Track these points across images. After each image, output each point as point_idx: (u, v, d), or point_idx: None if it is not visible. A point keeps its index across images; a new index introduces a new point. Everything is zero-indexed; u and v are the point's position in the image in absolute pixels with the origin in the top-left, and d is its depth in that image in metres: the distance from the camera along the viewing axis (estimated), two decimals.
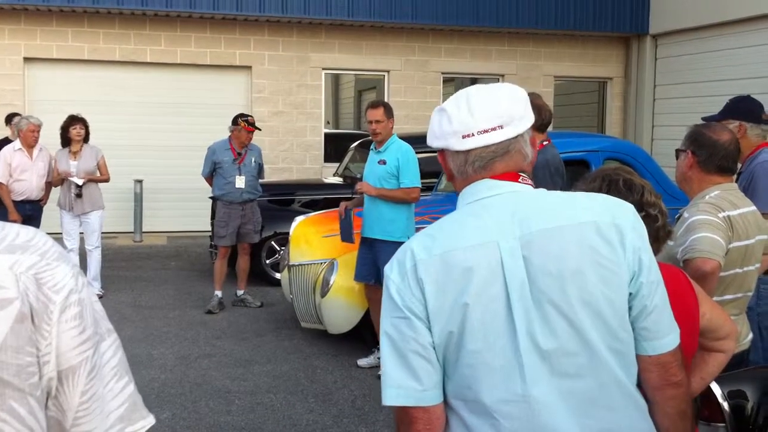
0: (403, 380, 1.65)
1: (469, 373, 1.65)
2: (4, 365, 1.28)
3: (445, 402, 1.70)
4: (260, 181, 8.52)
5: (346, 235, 6.35)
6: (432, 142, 1.82)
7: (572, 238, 1.65)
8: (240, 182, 8.00)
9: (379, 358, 6.15)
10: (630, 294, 1.68)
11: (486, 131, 1.72)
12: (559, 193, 1.79)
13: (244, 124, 7.99)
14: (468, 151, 1.74)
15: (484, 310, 1.63)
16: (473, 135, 1.72)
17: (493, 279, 1.64)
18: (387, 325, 1.70)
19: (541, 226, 1.66)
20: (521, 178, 1.76)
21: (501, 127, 1.72)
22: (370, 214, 6.03)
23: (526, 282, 1.64)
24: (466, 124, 1.72)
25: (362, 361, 6.29)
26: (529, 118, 1.77)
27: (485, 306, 1.63)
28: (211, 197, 9.38)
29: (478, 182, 1.76)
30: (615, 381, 1.67)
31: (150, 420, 1.46)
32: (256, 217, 8.26)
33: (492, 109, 1.72)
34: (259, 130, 8.44)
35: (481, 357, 1.64)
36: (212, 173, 8.15)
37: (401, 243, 5.90)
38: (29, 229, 1.40)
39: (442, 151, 1.81)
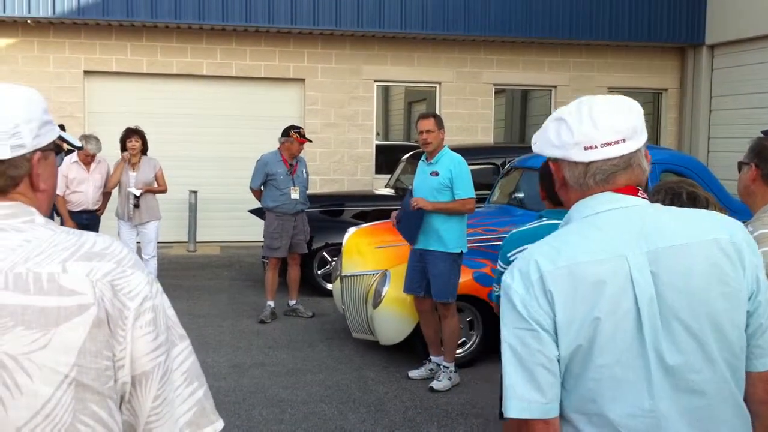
0: (527, 393, 1.66)
1: (595, 386, 1.66)
2: (84, 369, 1.32)
3: (561, 415, 1.71)
4: (312, 192, 8.59)
5: (413, 233, 6.06)
6: (547, 150, 1.82)
7: (698, 255, 1.67)
8: (295, 193, 8.08)
9: (430, 370, 6.17)
10: (747, 312, 1.70)
11: (609, 144, 1.72)
12: (675, 209, 1.81)
13: (296, 136, 8.07)
14: (589, 163, 1.74)
15: (615, 325, 1.64)
16: (596, 147, 1.72)
17: (624, 293, 1.65)
18: (510, 336, 1.69)
19: (667, 243, 1.68)
20: (639, 192, 1.77)
21: (624, 140, 1.73)
22: (423, 225, 6.02)
23: (655, 297, 1.65)
24: (589, 135, 1.72)
25: (413, 373, 6.29)
26: (645, 133, 1.78)
27: (616, 321, 1.64)
28: (251, 210, 9.49)
29: (598, 195, 1.75)
30: (731, 396, 1.70)
31: (218, 425, 1.49)
32: (305, 228, 8.33)
33: (615, 122, 1.72)
34: (310, 141, 8.50)
35: (610, 371, 1.65)
36: (261, 186, 8.23)
37: (453, 254, 5.93)
38: (105, 237, 1.45)
39: (555, 161, 1.82)
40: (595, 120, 1.72)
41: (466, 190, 5.93)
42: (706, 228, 1.71)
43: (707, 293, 1.65)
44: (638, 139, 1.74)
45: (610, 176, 1.73)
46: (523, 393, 1.66)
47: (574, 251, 1.68)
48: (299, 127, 8.26)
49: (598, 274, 1.64)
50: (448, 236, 5.94)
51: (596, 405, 1.66)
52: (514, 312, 1.68)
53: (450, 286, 5.95)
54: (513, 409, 1.67)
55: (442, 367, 6.12)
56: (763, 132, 4.01)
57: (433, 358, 6.28)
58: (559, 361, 1.66)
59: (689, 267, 1.66)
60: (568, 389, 1.68)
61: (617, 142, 1.72)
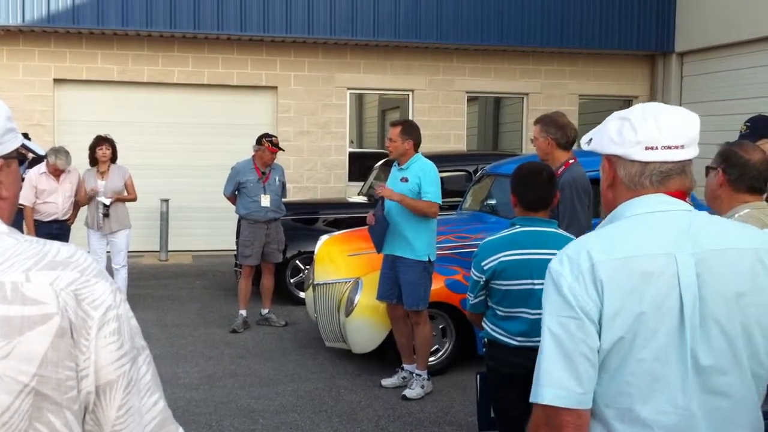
0: (564, 381, 1.66)
1: (632, 380, 1.68)
2: (45, 379, 1.31)
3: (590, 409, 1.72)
4: (285, 200, 8.54)
5: (378, 239, 6.07)
6: (606, 147, 1.86)
7: (739, 262, 1.72)
8: (265, 201, 8.06)
9: (403, 378, 6.13)
10: None
11: (669, 148, 1.79)
12: (720, 218, 1.87)
13: (267, 144, 8.04)
14: (647, 163, 1.80)
15: (659, 321, 1.67)
16: (657, 149, 1.79)
17: (670, 291, 1.68)
18: (554, 324, 1.70)
19: (712, 246, 1.72)
20: (687, 198, 1.83)
21: (683, 147, 1.80)
22: (392, 231, 6.02)
23: (697, 298, 1.69)
24: (652, 136, 1.78)
25: (386, 382, 6.26)
26: (697, 146, 1.85)
27: (661, 317, 1.67)
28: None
29: (651, 195, 1.80)
30: (752, 402, 1.74)
31: None
32: (279, 236, 8.30)
33: (678, 128, 1.80)
34: (282, 150, 8.47)
35: (648, 366, 1.67)
36: (235, 193, 8.21)
37: (422, 261, 5.92)
38: (70, 246, 1.43)
39: (610, 158, 1.86)
40: (659, 123, 1.78)
41: (434, 195, 5.93)
42: (748, 237, 1.76)
43: (743, 300, 1.69)
44: (694, 149, 1.82)
45: (665, 179, 1.80)
46: (560, 381, 1.66)
47: (627, 245, 1.71)
48: (272, 136, 8.23)
49: (648, 268, 1.68)
50: (417, 243, 5.93)
51: (630, 399, 1.68)
52: (561, 299, 1.70)
53: (420, 294, 5.93)
54: (548, 397, 1.67)
55: (414, 375, 6.10)
56: (726, 143, 4.07)
57: (405, 366, 6.26)
58: (598, 353, 1.68)
59: (731, 272, 1.71)
60: (602, 383, 1.70)
61: (677, 147, 1.79)
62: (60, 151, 8.32)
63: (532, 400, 1.71)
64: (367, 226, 6.25)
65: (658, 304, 1.66)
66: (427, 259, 5.95)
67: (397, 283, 6.01)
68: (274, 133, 12.88)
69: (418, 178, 5.92)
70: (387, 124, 14.52)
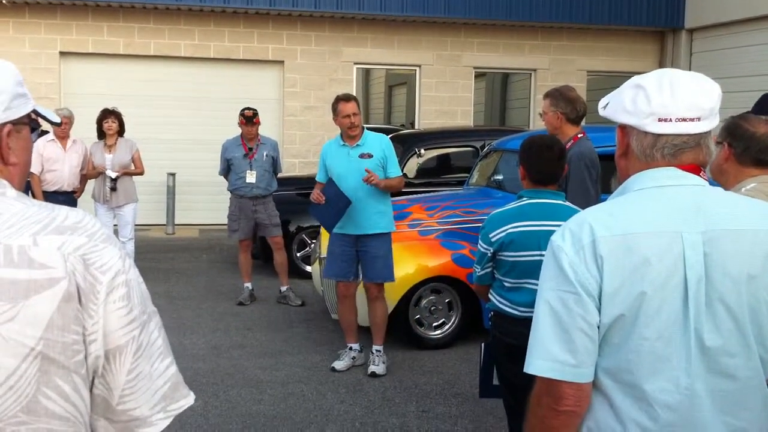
0: (560, 354, 1.66)
1: (634, 358, 1.66)
2: (51, 343, 1.31)
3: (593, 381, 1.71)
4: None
5: (334, 218, 5.88)
6: (619, 116, 1.80)
7: (752, 243, 1.67)
8: (251, 177, 7.95)
9: (353, 358, 6.04)
10: None
11: (684, 120, 1.71)
12: (735, 194, 1.81)
13: (240, 118, 7.95)
14: (659, 135, 1.73)
15: (662, 301, 1.64)
16: (671, 120, 1.71)
17: (674, 270, 1.65)
18: (553, 297, 1.68)
19: (724, 226, 1.68)
20: (702, 172, 1.77)
21: (699, 119, 1.72)
22: (357, 210, 5.85)
23: (703, 278, 1.65)
24: (666, 107, 1.71)
25: (338, 364, 6.05)
26: (718, 116, 1.78)
27: (663, 296, 1.64)
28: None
29: (662, 168, 1.75)
30: (759, 384, 1.71)
31: (190, 399, 1.49)
32: (269, 212, 8.10)
33: (695, 99, 1.71)
34: (254, 123, 7.95)
35: (650, 345, 1.65)
36: (228, 171, 8.14)
37: (390, 233, 5.86)
38: (78, 212, 1.43)
39: (624, 127, 1.80)
40: (675, 93, 1.71)
41: (399, 169, 6.01)
42: (764, 217, 1.71)
43: (754, 282, 1.66)
44: (712, 120, 1.75)
45: (678, 152, 1.73)
46: (555, 354, 1.66)
47: (631, 221, 1.67)
48: (247, 109, 8.00)
49: (651, 247, 1.64)
50: (386, 217, 5.97)
51: (633, 376, 1.66)
52: (561, 273, 1.68)
53: (390, 266, 5.96)
54: (543, 369, 1.68)
55: (375, 351, 6.02)
56: (731, 117, 4.07)
57: (352, 345, 6.15)
58: (598, 328, 1.66)
59: (742, 253, 1.66)
60: (606, 355, 1.68)
61: (692, 120, 1.71)
62: (60, 108, 8.64)
63: (525, 370, 1.71)
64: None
65: (661, 283, 1.63)
66: (392, 231, 6.02)
67: (357, 260, 5.96)
68: (281, 107, 12.90)
69: (383, 152, 5.92)
70: (395, 101, 14.50)
